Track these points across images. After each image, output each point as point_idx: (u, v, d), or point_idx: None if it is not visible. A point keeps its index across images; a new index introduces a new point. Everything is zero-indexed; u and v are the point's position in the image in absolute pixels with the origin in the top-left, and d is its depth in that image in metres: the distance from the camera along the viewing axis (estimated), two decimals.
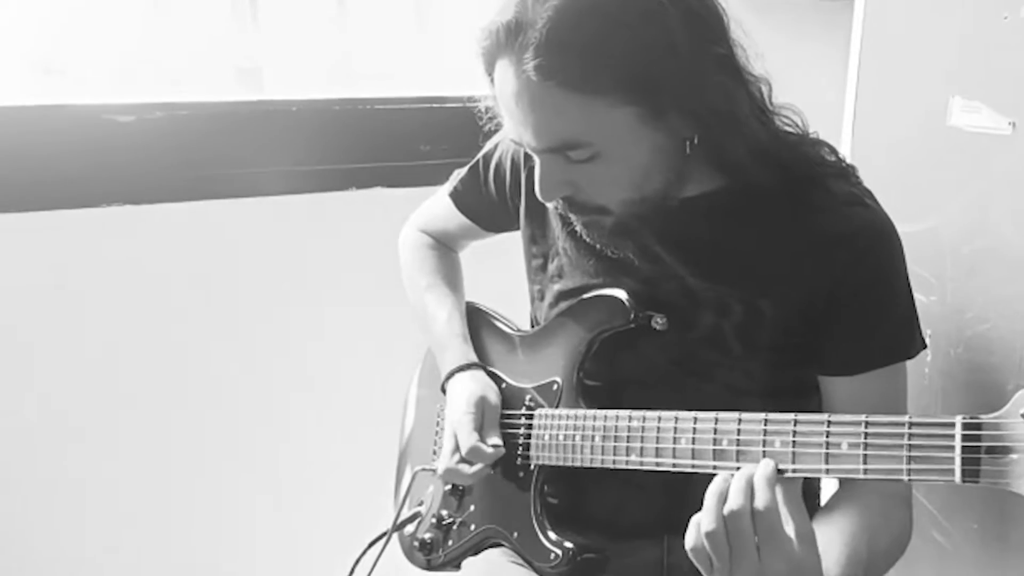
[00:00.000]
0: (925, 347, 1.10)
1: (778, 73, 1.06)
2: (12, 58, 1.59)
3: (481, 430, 1.19)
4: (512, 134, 1.03)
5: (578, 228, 1.09)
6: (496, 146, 1.29)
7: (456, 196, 1.36)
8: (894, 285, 1.07)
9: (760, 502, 0.85)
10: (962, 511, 1.42)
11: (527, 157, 1.22)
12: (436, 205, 1.42)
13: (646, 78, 0.94)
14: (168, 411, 1.69)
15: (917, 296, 1.10)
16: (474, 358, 1.28)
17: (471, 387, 1.23)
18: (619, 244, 1.09)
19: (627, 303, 1.10)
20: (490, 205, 1.31)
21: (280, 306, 1.72)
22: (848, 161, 1.11)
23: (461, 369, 1.26)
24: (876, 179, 1.12)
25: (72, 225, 1.56)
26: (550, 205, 1.10)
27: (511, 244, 1.31)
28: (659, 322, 1.10)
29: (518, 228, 1.28)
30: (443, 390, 1.27)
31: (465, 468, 1.19)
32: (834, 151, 1.10)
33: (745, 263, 1.07)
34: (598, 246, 1.10)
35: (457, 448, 1.19)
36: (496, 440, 1.18)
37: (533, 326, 1.30)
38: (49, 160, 1.52)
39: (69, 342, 1.60)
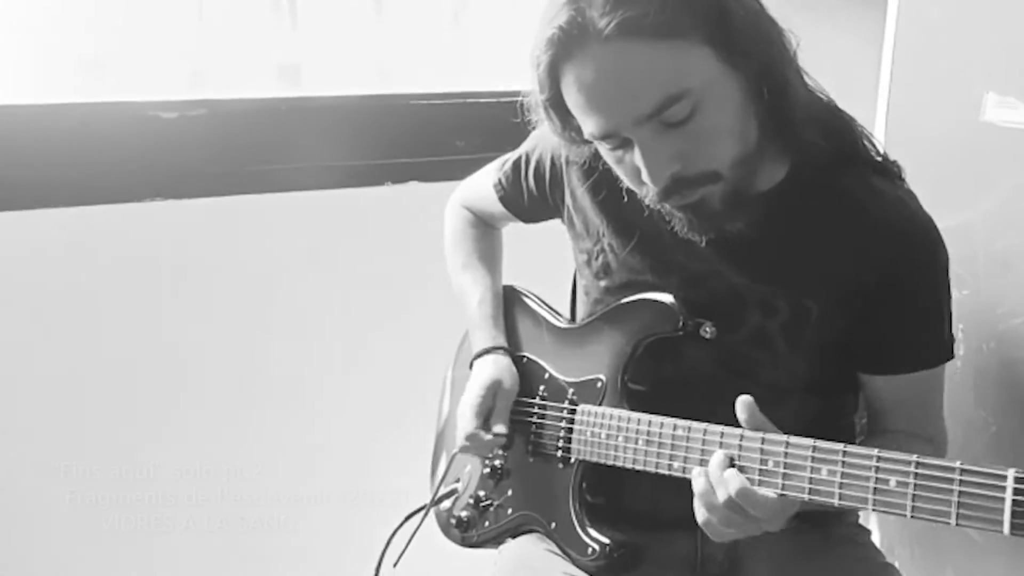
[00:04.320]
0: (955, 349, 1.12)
1: (810, 67, 1.06)
2: (56, 55, 1.61)
3: (490, 415, 1.22)
4: (604, 127, 0.98)
5: (677, 227, 1.05)
6: (536, 144, 1.29)
7: (498, 190, 1.36)
8: (937, 290, 1.08)
9: (732, 489, 0.94)
10: None
11: (568, 159, 1.22)
12: (480, 187, 1.40)
13: (716, 16, 0.95)
14: (211, 397, 1.71)
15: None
16: (501, 342, 1.30)
17: (488, 371, 1.25)
18: (731, 220, 1.03)
19: (676, 310, 1.10)
20: (531, 201, 1.32)
21: (317, 299, 1.74)
22: (892, 158, 1.11)
23: (486, 352, 1.29)
24: (910, 174, 1.13)
25: (116, 220, 1.58)
26: (654, 193, 1.02)
27: (555, 228, 1.31)
28: (708, 331, 1.09)
29: (559, 218, 1.29)
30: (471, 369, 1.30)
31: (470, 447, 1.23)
32: (874, 146, 1.11)
33: (792, 263, 1.08)
34: (698, 237, 1.05)
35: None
36: (500, 428, 1.21)
37: (573, 318, 1.31)
38: (94, 156, 1.54)
39: (113, 333, 1.63)
